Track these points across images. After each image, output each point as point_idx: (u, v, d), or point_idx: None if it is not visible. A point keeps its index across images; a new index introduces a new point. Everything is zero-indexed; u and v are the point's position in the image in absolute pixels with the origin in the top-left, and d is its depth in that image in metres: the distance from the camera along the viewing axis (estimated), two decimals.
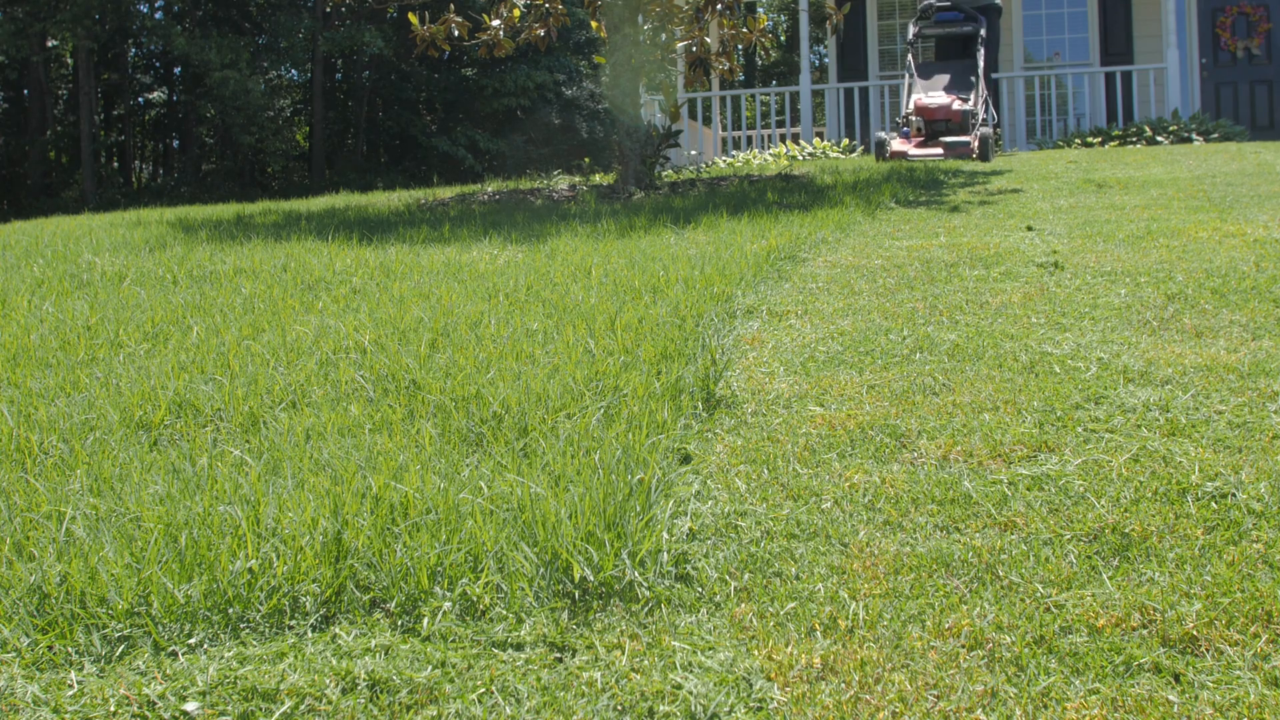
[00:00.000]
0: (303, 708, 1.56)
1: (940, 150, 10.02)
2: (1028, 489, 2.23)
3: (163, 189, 21.39)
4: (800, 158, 11.94)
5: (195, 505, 2.08)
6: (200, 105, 22.43)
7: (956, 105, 10.38)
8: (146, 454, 2.48)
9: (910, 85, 11.23)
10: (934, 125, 10.39)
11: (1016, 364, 3.01)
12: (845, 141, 12.48)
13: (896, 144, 10.32)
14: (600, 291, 3.88)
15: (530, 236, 5.62)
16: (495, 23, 8.64)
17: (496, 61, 20.87)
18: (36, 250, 6.01)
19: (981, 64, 11.01)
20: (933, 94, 10.76)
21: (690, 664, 1.66)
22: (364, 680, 1.61)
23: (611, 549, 1.90)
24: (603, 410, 2.57)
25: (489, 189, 9.75)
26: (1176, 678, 1.61)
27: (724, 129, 14.40)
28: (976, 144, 9.92)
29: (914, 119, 10.49)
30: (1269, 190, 6.39)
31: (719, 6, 8.45)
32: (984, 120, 10.66)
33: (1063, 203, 6.42)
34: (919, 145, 10.28)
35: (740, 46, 8.81)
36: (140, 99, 24.76)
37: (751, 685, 1.61)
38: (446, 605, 1.80)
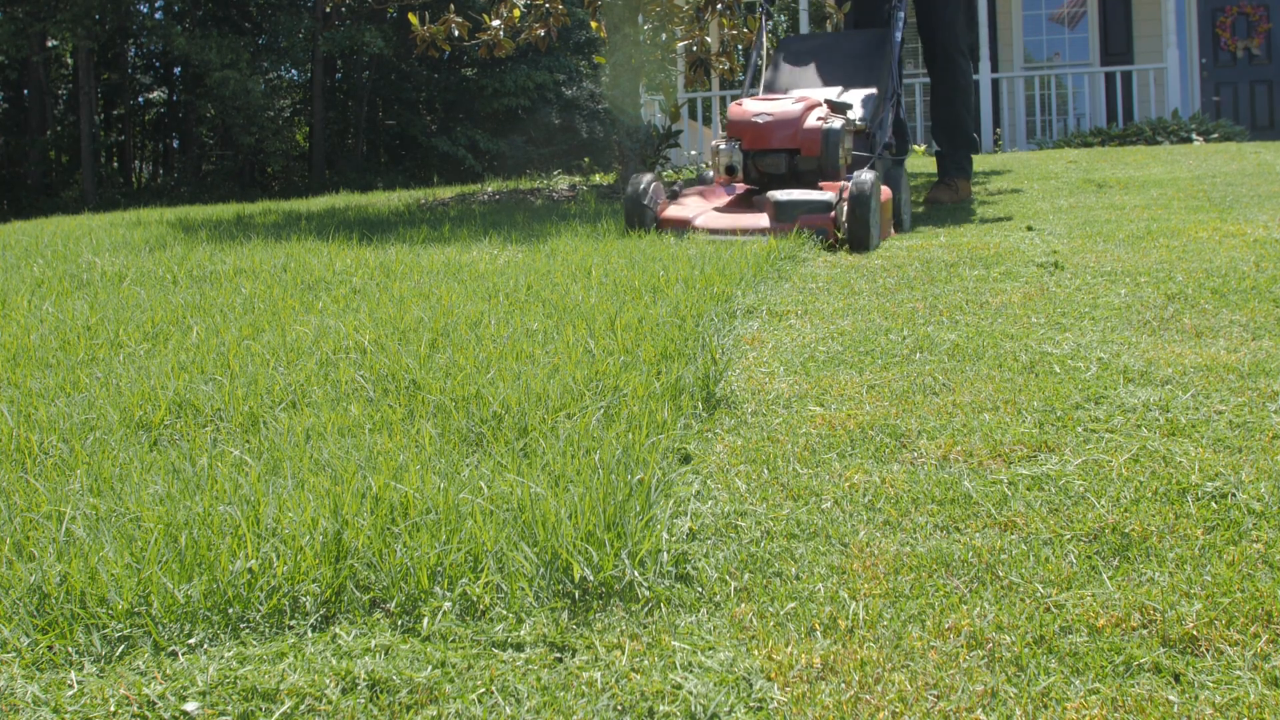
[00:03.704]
0: (303, 708, 1.56)
1: (761, 222, 4.96)
2: (1028, 489, 2.23)
3: (163, 189, 21.40)
4: None
5: (195, 505, 2.08)
6: (200, 105, 22.43)
7: (815, 120, 5.32)
8: (146, 454, 2.48)
9: (755, 76, 6.39)
10: (765, 160, 5.33)
11: (1016, 364, 3.01)
12: None
13: (683, 203, 5.32)
14: (600, 291, 3.88)
15: (530, 236, 5.62)
16: (495, 23, 8.64)
17: (496, 61, 20.87)
18: (36, 250, 6.01)
19: (898, 35, 6.17)
20: (782, 94, 5.71)
21: (690, 664, 1.66)
22: (364, 680, 1.61)
23: (611, 549, 1.90)
24: (603, 410, 2.57)
25: (489, 189, 9.75)
26: (1176, 678, 1.61)
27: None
28: (845, 206, 4.83)
29: (723, 148, 5.39)
30: (1269, 190, 6.39)
31: (719, 6, 8.45)
32: (882, 149, 5.75)
33: (1063, 203, 6.42)
34: (729, 205, 5.33)
35: (740, 46, 8.82)
36: (140, 99, 24.77)
37: (751, 685, 1.61)
38: (446, 605, 1.80)
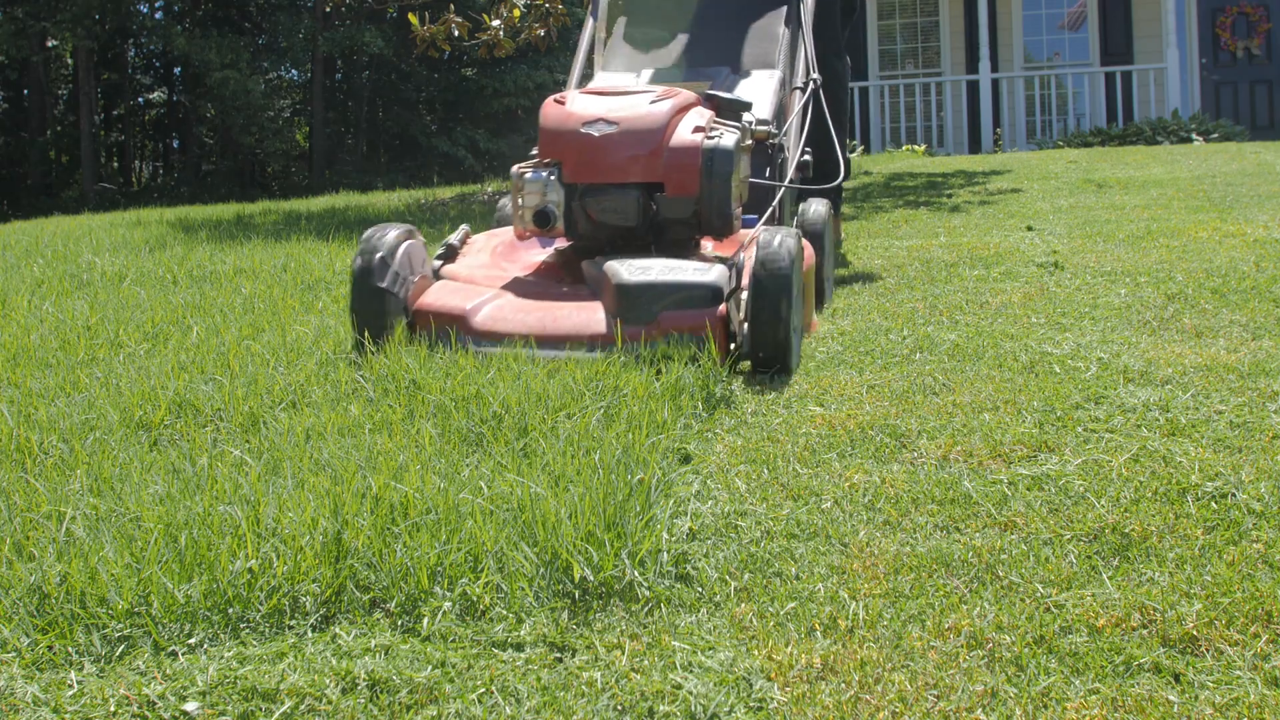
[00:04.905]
0: (303, 708, 1.56)
1: (590, 321, 2.92)
2: (1028, 489, 2.23)
3: (163, 189, 21.39)
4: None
5: (195, 505, 2.08)
6: (200, 105, 22.43)
7: (690, 131, 3.08)
8: (146, 454, 2.48)
9: (590, 50, 4.26)
10: (603, 202, 3.10)
11: (1016, 364, 3.02)
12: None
13: (459, 277, 3.21)
14: None
15: None
16: (495, 23, 8.64)
17: (496, 61, 20.85)
18: (36, 250, 6.01)
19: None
20: (631, 80, 3.89)
21: (690, 664, 1.66)
22: (364, 680, 1.61)
23: (611, 549, 1.90)
24: (603, 410, 2.57)
25: (489, 189, 9.75)
26: (1176, 678, 1.61)
27: None
28: (748, 293, 2.84)
29: (531, 177, 3.15)
30: (1269, 190, 6.39)
31: None
32: (795, 173, 3.68)
33: (1063, 203, 6.42)
34: (539, 280, 3.19)
35: None
36: (140, 99, 24.76)
37: (751, 685, 1.61)
38: (446, 605, 1.80)
